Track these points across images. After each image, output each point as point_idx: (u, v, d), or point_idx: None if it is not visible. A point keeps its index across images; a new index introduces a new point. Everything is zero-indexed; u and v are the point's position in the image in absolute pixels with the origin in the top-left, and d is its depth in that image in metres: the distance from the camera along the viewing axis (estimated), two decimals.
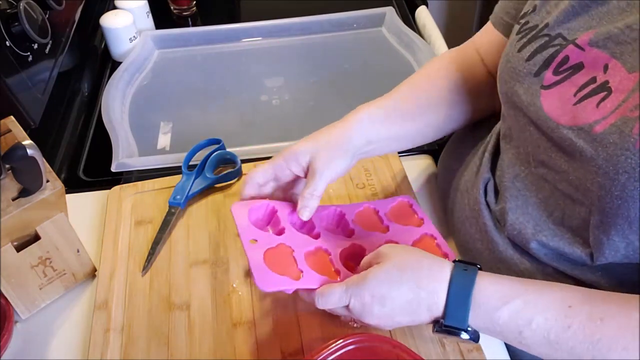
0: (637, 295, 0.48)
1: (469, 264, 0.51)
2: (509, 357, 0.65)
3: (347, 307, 0.54)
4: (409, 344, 0.62)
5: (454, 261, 0.52)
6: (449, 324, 0.50)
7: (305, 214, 0.60)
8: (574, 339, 0.47)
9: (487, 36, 0.70)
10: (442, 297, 0.50)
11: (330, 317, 0.66)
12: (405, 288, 0.51)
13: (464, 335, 0.50)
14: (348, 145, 0.62)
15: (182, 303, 0.68)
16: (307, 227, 0.65)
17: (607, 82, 0.48)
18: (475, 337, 0.51)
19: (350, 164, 0.63)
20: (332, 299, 0.53)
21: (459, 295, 0.49)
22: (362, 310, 0.52)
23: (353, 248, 0.63)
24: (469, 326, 0.50)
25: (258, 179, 0.62)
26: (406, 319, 0.53)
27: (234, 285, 0.70)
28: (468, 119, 0.72)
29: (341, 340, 0.56)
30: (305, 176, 0.62)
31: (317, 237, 0.63)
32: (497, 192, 0.64)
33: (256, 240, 0.59)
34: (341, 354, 0.55)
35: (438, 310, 0.50)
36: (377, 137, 0.65)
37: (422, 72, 0.72)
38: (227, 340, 0.65)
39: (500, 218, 0.62)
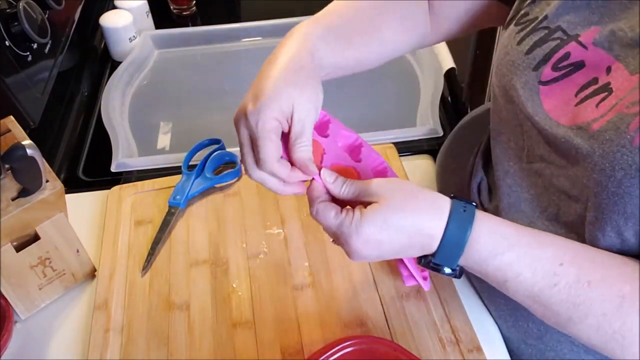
0: (628, 261, 0.48)
1: (467, 202, 0.49)
2: (509, 357, 0.65)
3: (335, 234, 0.50)
4: (408, 345, 0.63)
5: (452, 197, 0.50)
6: (437, 262, 0.50)
7: (310, 165, 0.51)
8: (556, 296, 0.47)
9: None
10: (437, 240, 0.48)
11: (330, 317, 0.66)
12: (402, 234, 0.48)
13: (447, 270, 0.50)
14: (316, 72, 0.54)
15: (182, 303, 0.68)
16: (354, 154, 0.60)
17: (609, 83, 0.48)
18: (458, 274, 0.50)
19: (322, 95, 0.54)
20: (324, 221, 0.50)
21: (454, 242, 0.48)
22: (351, 250, 0.50)
23: None
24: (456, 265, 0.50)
25: (276, 156, 0.51)
26: (394, 257, 0.51)
27: (234, 285, 0.70)
28: (401, 50, 0.66)
29: (340, 342, 0.56)
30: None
31: (357, 162, 0.59)
32: (490, 192, 0.64)
33: None
34: (340, 355, 0.56)
35: (430, 250, 0.49)
36: (332, 64, 0.58)
37: None
38: (227, 340, 0.65)
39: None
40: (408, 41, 0.66)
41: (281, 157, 0.52)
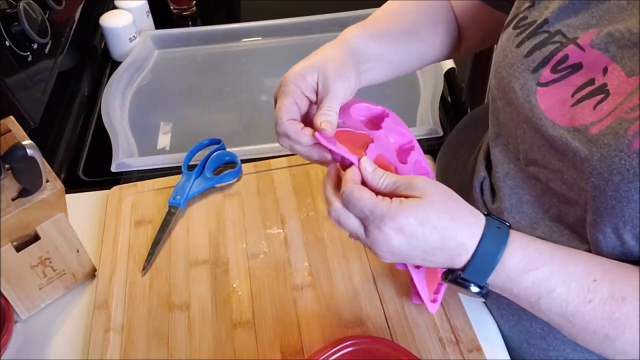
0: None
1: (501, 222, 0.49)
2: (509, 357, 0.65)
3: (363, 225, 0.49)
4: (408, 345, 0.63)
5: (486, 214, 0.50)
6: (466, 277, 0.48)
7: (328, 127, 0.52)
8: (591, 313, 0.47)
9: None
10: (470, 252, 0.48)
11: (330, 317, 0.66)
12: (437, 235, 0.47)
13: (474, 289, 0.49)
14: (352, 57, 0.57)
15: (182, 303, 0.68)
16: (402, 155, 0.60)
17: (605, 84, 0.48)
18: (484, 294, 0.49)
19: (358, 79, 0.57)
20: (357, 201, 0.48)
21: (487, 256, 0.47)
22: (380, 239, 0.48)
23: None
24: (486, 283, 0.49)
25: (286, 115, 0.54)
26: (420, 261, 0.50)
27: (234, 285, 0.70)
28: (437, 54, 0.70)
29: (340, 342, 0.56)
30: (317, 96, 0.55)
31: (403, 163, 0.58)
32: (493, 192, 0.64)
33: (344, 124, 0.56)
34: (340, 355, 0.56)
35: (459, 263, 0.48)
36: (373, 55, 0.61)
37: (393, 5, 0.69)
38: (227, 340, 0.65)
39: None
40: (442, 46, 0.69)
41: (296, 121, 0.54)
